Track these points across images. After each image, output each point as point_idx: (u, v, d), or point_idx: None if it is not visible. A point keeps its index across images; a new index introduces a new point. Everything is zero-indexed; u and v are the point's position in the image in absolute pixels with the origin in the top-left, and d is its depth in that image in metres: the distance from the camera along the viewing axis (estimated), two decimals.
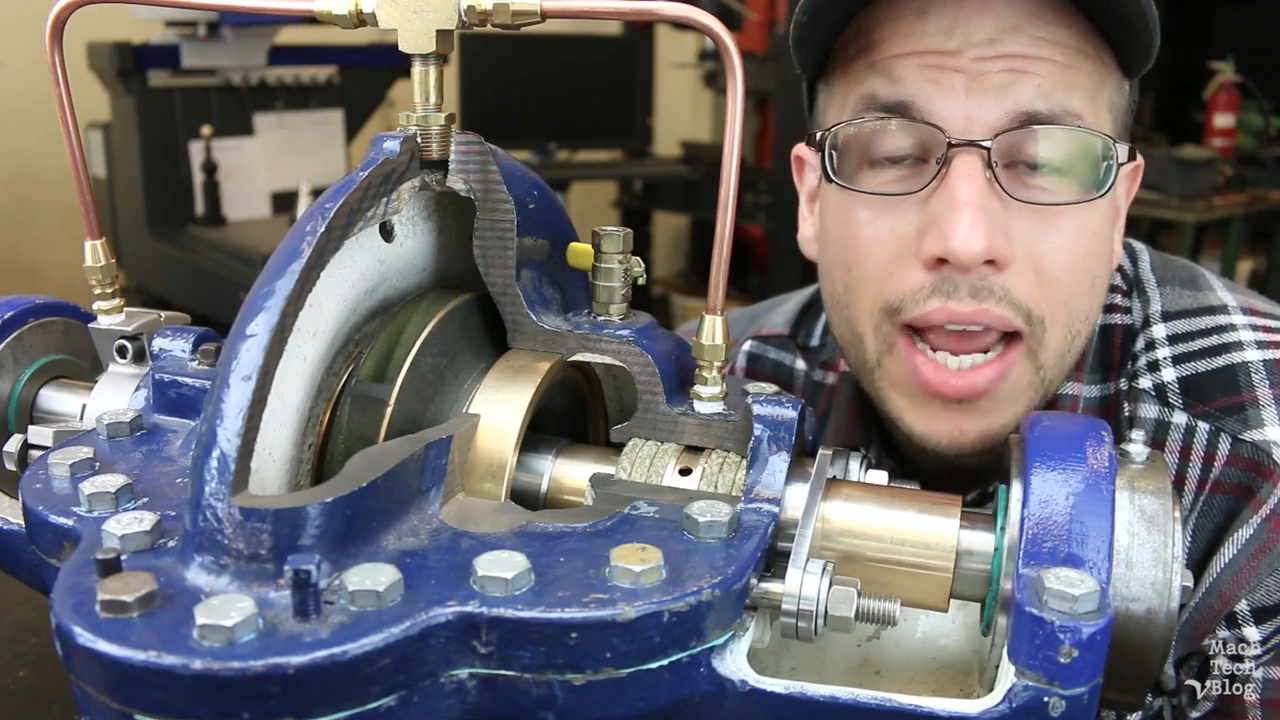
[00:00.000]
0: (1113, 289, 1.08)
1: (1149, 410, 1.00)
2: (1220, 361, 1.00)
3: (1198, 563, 0.96)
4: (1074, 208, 0.91)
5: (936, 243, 0.88)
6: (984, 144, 0.88)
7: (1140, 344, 1.04)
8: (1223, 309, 1.05)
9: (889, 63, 0.92)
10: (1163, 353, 1.02)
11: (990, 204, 0.88)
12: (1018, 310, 0.91)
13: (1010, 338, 0.93)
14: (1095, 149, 0.92)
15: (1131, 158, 0.94)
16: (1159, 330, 1.04)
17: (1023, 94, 0.89)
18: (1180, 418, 0.99)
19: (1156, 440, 0.99)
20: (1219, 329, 1.02)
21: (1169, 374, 1.01)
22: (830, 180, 0.97)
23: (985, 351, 0.93)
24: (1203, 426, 0.97)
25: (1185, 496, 0.98)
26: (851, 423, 1.16)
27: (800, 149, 1.11)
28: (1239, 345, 1.00)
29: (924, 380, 0.93)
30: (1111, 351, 1.06)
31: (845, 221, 0.97)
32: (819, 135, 0.97)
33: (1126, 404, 1.02)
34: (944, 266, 0.89)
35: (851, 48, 0.96)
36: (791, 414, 0.66)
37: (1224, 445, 0.96)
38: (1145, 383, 1.01)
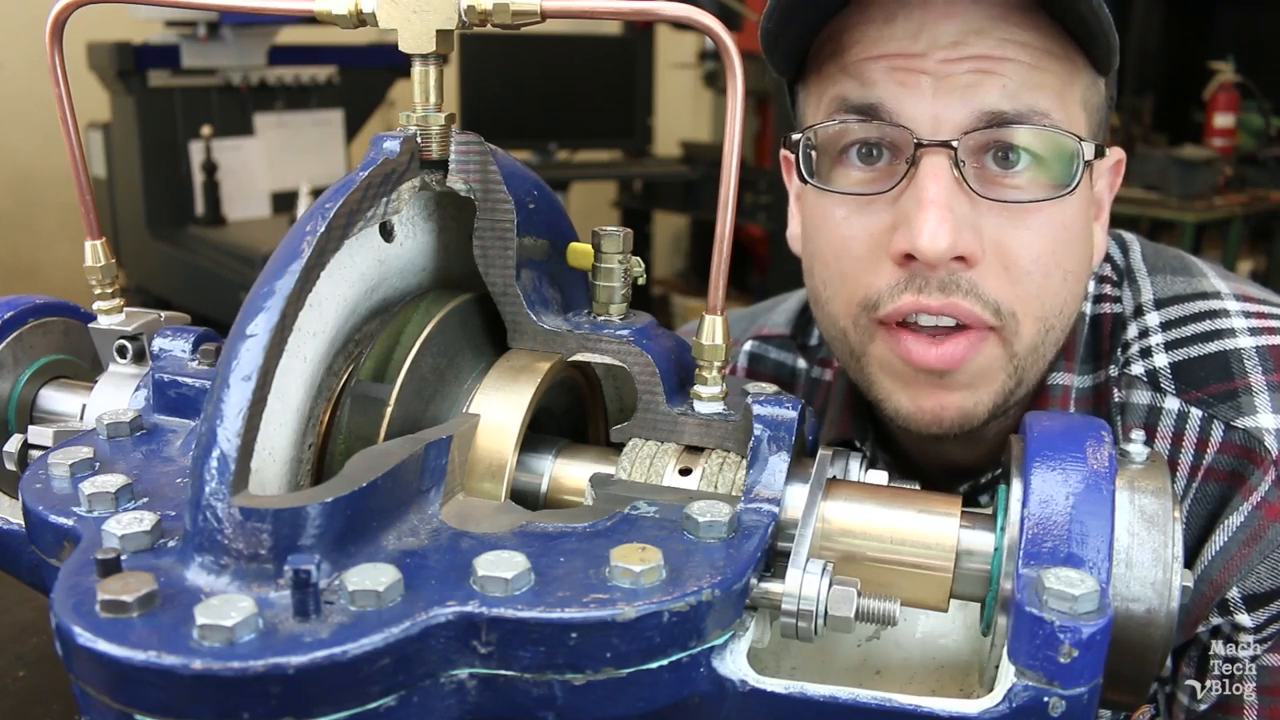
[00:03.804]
0: (1103, 279, 1.09)
1: (1141, 396, 1.01)
2: (1213, 347, 1.00)
3: (1190, 550, 0.96)
4: (1044, 204, 0.93)
5: (904, 240, 0.90)
6: (950, 144, 0.90)
7: (1133, 331, 1.05)
8: (1215, 295, 1.05)
9: (859, 65, 0.94)
10: (1155, 339, 1.03)
11: (958, 202, 0.90)
12: (986, 305, 0.92)
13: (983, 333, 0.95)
14: (1062, 147, 0.93)
15: (1099, 154, 0.95)
16: (1152, 318, 1.05)
17: (988, 95, 0.90)
18: (1172, 403, 0.99)
19: (1148, 426, 1.00)
20: (1211, 314, 1.03)
21: (1161, 360, 1.01)
22: (806, 181, 0.99)
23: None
24: (1195, 413, 0.98)
25: (1177, 483, 0.98)
26: (846, 415, 1.18)
27: (787, 151, 1.12)
28: (1231, 332, 1.01)
29: (906, 351, 0.94)
30: (1101, 341, 1.06)
31: (823, 219, 0.99)
32: (795, 138, 0.99)
33: (1117, 390, 1.03)
34: (913, 263, 0.91)
35: (825, 51, 0.98)
36: (791, 414, 0.66)
37: (1217, 432, 0.97)
38: (1137, 369, 1.02)
